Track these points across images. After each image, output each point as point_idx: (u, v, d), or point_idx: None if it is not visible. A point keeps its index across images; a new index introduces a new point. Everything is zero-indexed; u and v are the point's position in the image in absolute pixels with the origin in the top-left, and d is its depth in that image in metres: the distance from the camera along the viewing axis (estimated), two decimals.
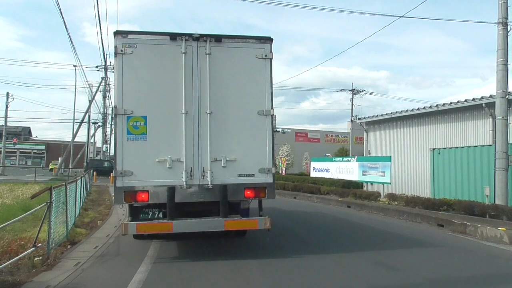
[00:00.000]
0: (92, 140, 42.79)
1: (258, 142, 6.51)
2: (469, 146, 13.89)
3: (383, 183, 16.48)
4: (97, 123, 42.16)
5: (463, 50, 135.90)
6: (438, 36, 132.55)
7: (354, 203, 15.00)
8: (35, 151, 61.75)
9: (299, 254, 6.89)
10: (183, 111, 6.27)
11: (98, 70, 37.55)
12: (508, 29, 11.42)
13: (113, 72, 6.87)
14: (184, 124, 6.27)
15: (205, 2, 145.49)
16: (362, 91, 40.81)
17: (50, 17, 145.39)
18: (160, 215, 6.51)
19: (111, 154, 40.92)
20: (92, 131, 41.78)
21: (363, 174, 18.36)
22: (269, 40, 6.67)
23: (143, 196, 6.15)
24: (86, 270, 5.75)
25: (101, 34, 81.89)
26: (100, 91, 38.74)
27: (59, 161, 39.82)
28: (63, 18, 38.55)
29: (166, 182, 6.18)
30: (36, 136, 66.94)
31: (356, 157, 20.54)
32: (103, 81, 37.63)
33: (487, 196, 12.11)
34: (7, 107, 38.94)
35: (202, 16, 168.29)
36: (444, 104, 16.99)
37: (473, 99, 15.48)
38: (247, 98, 6.55)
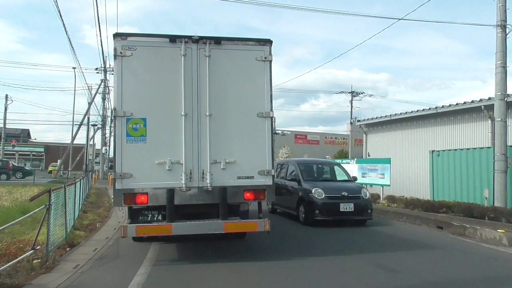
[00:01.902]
0: (91, 142, 42.74)
1: (258, 144, 6.51)
2: (468, 148, 13.90)
3: (382, 185, 16.46)
4: (96, 125, 42.13)
5: (463, 53, 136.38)
6: (438, 39, 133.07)
7: None
8: (34, 153, 61.67)
9: (299, 256, 6.89)
10: (182, 113, 6.27)
11: (98, 72, 37.48)
12: (507, 32, 11.45)
13: (112, 74, 6.87)
14: (184, 126, 6.27)
15: (205, 4, 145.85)
16: (362, 93, 40.67)
17: (50, 19, 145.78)
18: (160, 217, 6.51)
19: (110, 156, 40.90)
20: (91, 133, 41.78)
21: (362, 176, 18.31)
22: (268, 42, 6.68)
23: (142, 198, 6.14)
24: (85, 273, 5.73)
25: (100, 36, 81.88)
26: (100, 93, 38.71)
27: (58, 163, 39.76)
28: (62, 20, 38.38)
29: (166, 184, 6.17)
30: (35, 138, 66.93)
31: (355, 159, 20.52)
32: (103, 83, 37.61)
33: (486, 198, 12.11)
34: (6, 109, 38.98)
35: (203, 18, 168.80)
36: (443, 107, 17.01)
37: (472, 101, 15.50)
38: (247, 100, 6.55)
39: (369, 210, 10.71)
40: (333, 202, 10.23)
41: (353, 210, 10.26)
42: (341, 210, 10.18)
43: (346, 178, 12.10)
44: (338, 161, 22.80)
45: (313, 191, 10.35)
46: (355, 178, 12.58)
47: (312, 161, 14.02)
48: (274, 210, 13.03)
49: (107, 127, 40.21)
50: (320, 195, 10.26)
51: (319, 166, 12.90)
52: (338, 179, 12.09)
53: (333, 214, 10.16)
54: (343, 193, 10.49)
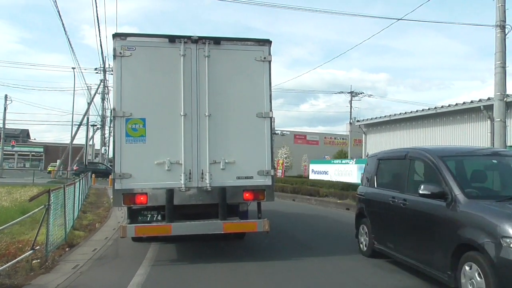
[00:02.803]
0: (90, 143, 42.76)
1: (257, 145, 6.51)
2: None
3: None
4: (95, 125, 42.16)
5: (462, 53, 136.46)
6: (437, 39, 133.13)
7: (353, 206, 14.94)
8: (34, 153, 61.70)
9: (298, 256, 6.88)
10: (181, 114, 6.27)
11: (97, 73, 37.59)
12: (506, 32, 11.46)
13: (112, 74, 6.87)
14: (183, 127, 6.27)
15: (205, 5, 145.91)
16: (361, 93, 40.83)
17: (50, 19, 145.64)
18: (159, 217, 6.50)
19: (109, 156, 40.91)
20: (90, 134, 41.81)
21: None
22: (268, 42, 6.68)
23: (141, 198, 6.14)
24: (85, 273, 5.73)
25: (99, 37, 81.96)
26: (99, 94, 38.76)
27: (57, 163, 39.74)
28: (61, 20, 38.72)
29: (165, 185, 6.17)
30: (35, 139, 66.94)
31: (355, 159, 20.55)
32: (102, 83, 37.64)
33: None
34: (5, 109, 38.92)
35: (203, 18, 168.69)
36: (442, 107, 17.05)
37: (471, 101, 15.54)
38: (246, 100, 6.55)
39: None
40: None
41: None
42: None
43: None
44: (337, 161, 22.84)
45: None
46: None
47: (472, 151, 6.46)
48: (376, 253, 6.48)
49: (107, 127, 40.32)
50: None
51: (493, 161, 5.86)
52: None
53: None
54: None
